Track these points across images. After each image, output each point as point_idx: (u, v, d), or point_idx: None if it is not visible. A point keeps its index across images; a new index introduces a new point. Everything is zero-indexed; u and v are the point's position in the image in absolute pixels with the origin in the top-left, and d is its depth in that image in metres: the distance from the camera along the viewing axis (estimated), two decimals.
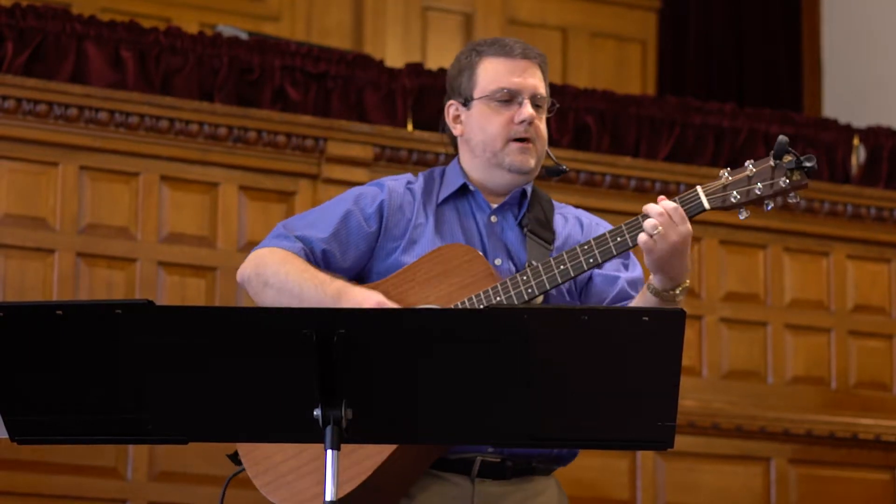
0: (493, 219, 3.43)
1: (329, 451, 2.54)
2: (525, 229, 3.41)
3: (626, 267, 3.42)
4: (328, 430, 2.53)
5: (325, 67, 6.16)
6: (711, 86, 8.68)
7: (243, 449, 3.24)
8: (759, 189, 3.20)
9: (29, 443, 2.62)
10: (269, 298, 3.32)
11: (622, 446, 2.77)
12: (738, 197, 3.21)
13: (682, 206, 3.17)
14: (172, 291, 5.64)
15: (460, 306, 3.24)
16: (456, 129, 3.50)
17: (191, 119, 5.76)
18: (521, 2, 8.71)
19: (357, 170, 5.88)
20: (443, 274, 3.30)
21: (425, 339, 2.52)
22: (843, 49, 8.74)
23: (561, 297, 3.35)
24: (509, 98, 3.42)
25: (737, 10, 8.97)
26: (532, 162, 3.42)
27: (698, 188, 3.21)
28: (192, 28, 6.95)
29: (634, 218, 3.21)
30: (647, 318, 2.49)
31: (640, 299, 3.26)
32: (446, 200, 3.45)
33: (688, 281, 3.22)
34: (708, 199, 3.20)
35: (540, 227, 3.43)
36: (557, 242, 3.43)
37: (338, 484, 3.05)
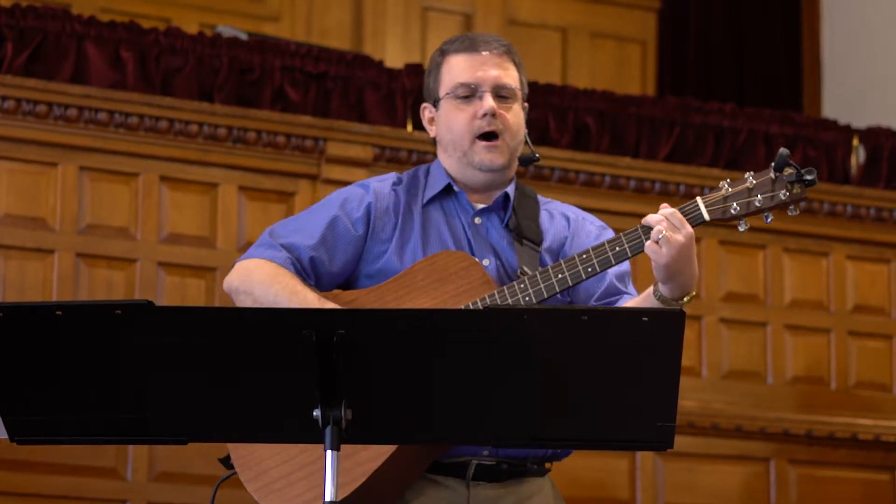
0: (477, 220, 3.42)
1: (329, 452, 2.54)
2: (513, 233, 3.40)
3: None
4: (328, 430, 2.53)
5: (325, 68, 6.16)
6: (711, 86, 8.68)
7: (235, 453, 3.23)
8: (759, 201, 3.20)
9: (29, 443, 2.62)
10: None
11: (622, 446, 2.77)
12: (738, 209, 3.22)
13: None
14: (172, 292, 5.64)
15: None
16: (431, 131, 3.50)
17: (190, 119, 5.76)
18: (521, 2, 8.71)
19: (357, 170, 5.88)
20: (439, 281, 3.29)
21: (425, 339, 2.52)
22: (843, 49, 8.74)
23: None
24: (470, 93, 3.40)
25: (737, 10, 8.97)
26: (500, 159, 3.40)
27: (698, 199, 3.21)
28: (191, 28, 6.95)
29: (633, 228, 3.21)
30: (646, 319, 2.49)
31: (647, 305, 3.24)
32: (431, 200, 3.43)
33: (695, 290, 3.22)
34: (708, 211, 3.21)
35: (527, 229, 3.42)
36: (546, 243, 3.42)
37: (336, 486, 3.06)
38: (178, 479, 5.48)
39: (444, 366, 2.53)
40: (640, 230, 3.19)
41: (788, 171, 3.20)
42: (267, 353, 2.53)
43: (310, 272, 3.34)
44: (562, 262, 3.24)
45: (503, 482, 3.27)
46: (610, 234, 3.47)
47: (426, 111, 3.51)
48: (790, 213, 3.24)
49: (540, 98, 6.48)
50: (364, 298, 3.33)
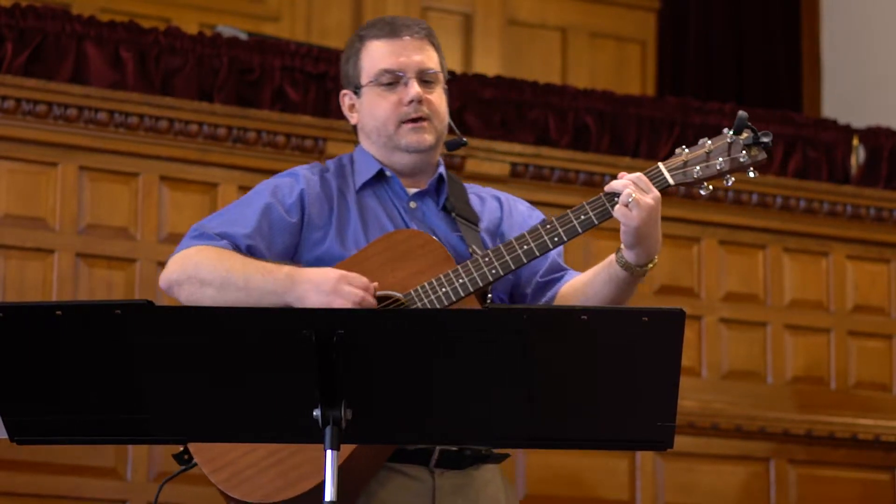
0: (413, 205, 3.38)
1: (329, 452, 2.54)
2: (453, 213, 3.37)
3: None
4: (328, 430, 2.53)
5: (325, 67, 6.16)
6: (711, 86, 8.68)
7: (196, 446, 3.17)
8: (720, 164, 3.21)
9: (29, 443, 2.62)
10: (207, 298, 3.20)
11: (622, 446, 2.78)
12: (700, 172, 3.21)
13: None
14: None
15: (420, 291, 3.19)
16: (352, 119, 3.45)
17: (190, 119, 5.76)
18: (521, 2, 8.71)
19: None
20: (396, 259, 3.24)
21: (425, 339, 2.52)
22: (843, 49, 8.74)
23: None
24: (394, 80, 3.36)
25: (737, 10, 8.97)
26: (429, 139, 3.37)
27: (660, 165, 3.22)
28: (191, 28, 6.95)
29: (597, 196, 3.19)
30: (646, 319, 2.49)
31: (607, 274, 3.23)
32: (364, 187, 3.38)
33: (657, 257, 3.21)
34: (671, 175, 3.21)
35: (463, 210, 3.38)
36: (483, 223, 3.40)
37: (294, 481, 3.04)
38: (177, 479, 5.46)
39: (443, 365, 2.53)
40: (603, 198, 3.18)
41: (746, 133, 3.22)
42: (267, 353, 2.52)
43: None
44: (525, 233, 3.20)
45: (464, 469, 3.24)
46: (538, 214, 3.47)
47: (346, 98, 3.45)
48: (750, 175, 3.25)
49: (540, 98, 6.48)
50: None
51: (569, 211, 3.20)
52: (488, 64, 8.19)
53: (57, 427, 2.59)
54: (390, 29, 3.39)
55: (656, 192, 3.16)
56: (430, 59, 3.40)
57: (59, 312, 2.49)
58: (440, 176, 3.41)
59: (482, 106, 6.38)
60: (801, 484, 6.28)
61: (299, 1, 8.10)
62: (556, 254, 3.37)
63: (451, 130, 3.46)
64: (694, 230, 6.41)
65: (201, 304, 3.20)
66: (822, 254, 6.56)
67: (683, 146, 3.25)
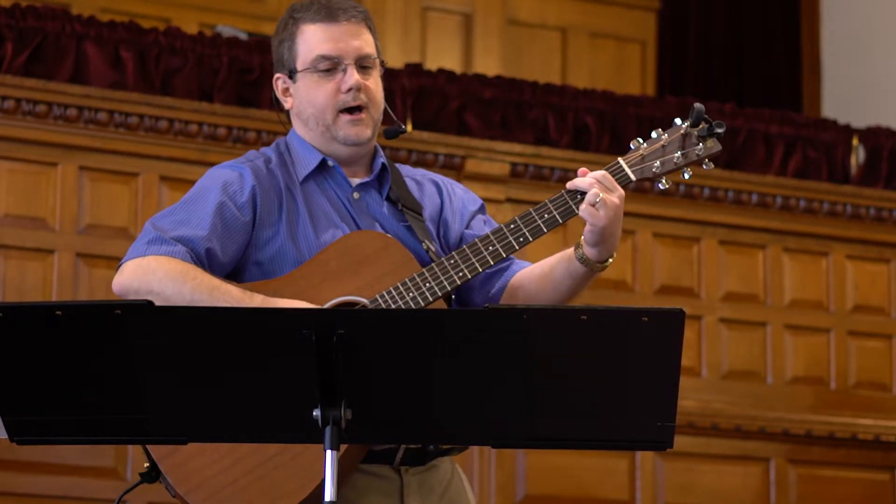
0: (356, 195, 3.30)
1: (329, 452, 2.53)
2: (399, 204, 3.30)
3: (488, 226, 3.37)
4: (328, 430, 2.53)
5: None
6: (711, 86, 8.68)
7: (165, 464, 3.09)
8: (677, 158, 3.20)
9: (28, 443, 2.62)
10: None
11: (622, 446, 2.77)
12: (658, 167, 3.19)
13: None
14: None
15: (387, 296, 3.13)
16: (287, 103, 3.35)
17: (190, 119, 5.76)
18: (520, 2, 8.71)
19: None
20: (357, 264, 3.17)
21: (425, 339, 2.52)
22: (843, 49, 8.74)
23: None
24: (332, 66, 3.27)
25: (737, 10, 8.97)
26: (367, 132, 3.28)
27: (620, 160, 3.19)
28: (191, 28, 6.95)
29: (559, 194, 3.15)
30: (646, 319, 2.49)
31: (565, 269, 3.20)
32: (307, 179, 3.29)
33: (616, 254, 3.19)
34: (632, 171, 3.18)
35: (406, 199, 3.32)
36: (426, 212, 3.34)
37: (276, 499, 3.01)
38: None
39: (443, 365, 2.53)
40: (566, 195, 3.14)
41: (702, 125, 3.22)
42: (267, 353, 2.52)
43: (206, 265, 3.17)
44: (489, 234, 3.16)
45: (426, 464, 3.20)
46: (474, 196, 3.42)
47: (279, 82, 3.35)
48: (705, 168, 3.23)
49: (540, 98, 6.48)
50: (281, 289, 3.15)
51: (531, 210, 3.17)
52: (488, 64, 8.19)
53: (57, 427, 2.59)
54: (327, 12, 3.29)
55: (621, 191, 3.13)
56: (367, 43, 3.30)
57: (59, 312, 2.49)
58: (383, 165, 3.34)
59: (482, 106, 6.38)
60: (801, 484, 6.28)
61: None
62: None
63: (387, 116, 3.37)
64: (694, 230, 6.41)
65: None
66: (822, 254, 6.57)
67: (639, 139, 3.22)
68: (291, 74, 3.32)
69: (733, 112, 6.75)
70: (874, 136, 6.92)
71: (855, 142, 6.89)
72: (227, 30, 6.51)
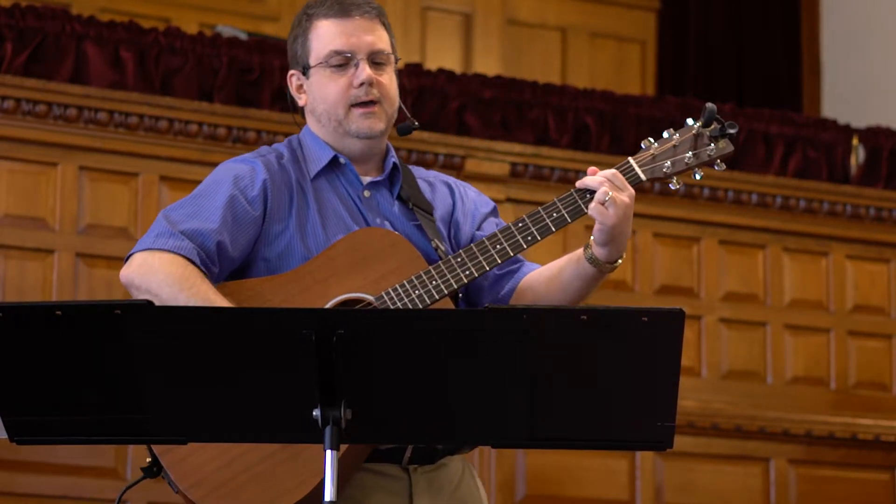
0: (367, 194, 3.29)
1: (329, 452, 2.53)
2: (410, 203, 3.29)
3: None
4: (328, 430, 2.53)
5: None
6: (711, 86, 8.68)
7: (166, 459, 3.09)
8: (689, 159, 3.18)
9: (28, 443, 2.62)
10: None
11: (621, 446, 2.77)
12: (669, 167, 3.17)
13: None
14: None
15: (392, 293, 3.12)
16: (301, 100, 3.35)
17: (190, 119, 5.76)
18: (520, 2, 8.71)
19: None
20: (364, 260, 3.16)
21: (425, 339, 2.52)
22: (843, 49, 8.74)
23: None
24: (345, 61, 3.26)
25: (737, 10, 8.97)
26: (380, 125, 3.28)
27: (630, 160, 3.16)
28: (191, 28, 6.95)
29: (568, 193, 3.14)
30: (646, 319, 2.49)
31: (574, 270, 3.18)
32: (318, 175, 3.28)
33: (625, 253, 3.17)
34: (642, 171, 3.16)
35: (417, 199, 3.31)
36: (437, 212, 3.33)
37: (275, 496, 3.00)
38: None
39: (443, 366, 2.53)
40: (575, 194, 3.12)
41: (714, 126, 3.20)
42: (267, 353, 2.52)
43: (215, 259, 3.17)
44: (497, 232, 3.15)
45: (435, 462, 3.19)
46: (486, 199, 3.41)
47: (293, 78, 3.35)
48: (716, 169, 3.21)
49: (540, 98, 6.48)
50: (288, 284, 3.16)
51: (540, 208, 3.15)
52: (488, 64, 8.19)
53: (57, 427, 2.59)
54: (340, 8, 3.29)
55: (631, 190, 3.10)
56: (381, 39, 3.30)
57: (59, 312, 2.49)
58: (394, 164, 3.33)
59: (482, 106, 6.38)
60: (801, 484, 6.28)
61: (299, 1, 8.09)
62: None
63: (401, 113, 3.38)
64: (694, 230, 6.41)
65: None
66: (821, 254, 6.57)
67: (650, 139, 3.20)
68: (305, 70, 3.32)
69: (733, 112, 6.75)
70: (874, 136, 6.92)
71: (855, 142, 6.89)
72: (227, 30, 6.51)
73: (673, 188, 3.21)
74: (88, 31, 5.85)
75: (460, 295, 3.26)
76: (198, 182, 5.73)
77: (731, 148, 3.21)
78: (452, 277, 3.14)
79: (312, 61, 3.30)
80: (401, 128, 3.40)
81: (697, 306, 6.32)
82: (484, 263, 3.14)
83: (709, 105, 3.23)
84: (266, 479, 3.03)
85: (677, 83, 8.70)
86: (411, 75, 6.30)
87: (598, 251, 3.13)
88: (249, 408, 2.58)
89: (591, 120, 6.53)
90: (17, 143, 5.58)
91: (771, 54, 8.93)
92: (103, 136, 5.67)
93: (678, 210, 6.36)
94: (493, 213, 3.40)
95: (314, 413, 2.52)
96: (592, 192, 3.10)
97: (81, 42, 5.83)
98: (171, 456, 3.09)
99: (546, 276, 3.27)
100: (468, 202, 3.39)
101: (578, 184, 3.12)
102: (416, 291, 3.13)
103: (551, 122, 6.47)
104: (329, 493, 2.54)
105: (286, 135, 5.85)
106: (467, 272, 3.14)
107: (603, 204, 3.06)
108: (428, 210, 3.31)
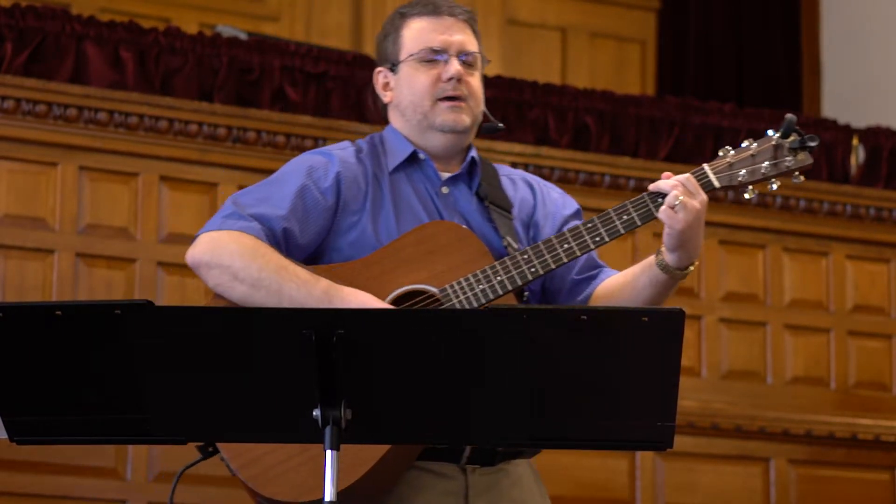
0: (445, 190, 3.30)
1: (329, 452, 2.54)
2: (486, 200, 3.30)
3: None
4: (328, 430, 2.53)
5: (325, 67, 6.16)
6: (711, 86, 8.68)
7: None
8: (765, 168, 3.15)
9: (28, 443, 2.62)
10: (238, 293, 3.14)
11: (621, 446, 2.77)
12: (745, 175, 3.15)
13: None
14: (172, 292, 5.63)
15: (456, 286, 3.13)
16: (386, 97, 3.38)
17: (190, 119, 5.76)
18: (520, 2, 8.71)
19: None
20: (432, 253, 3.16)
21: (425, 339, 2.52)
22: (843, 49, 8.74)
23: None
24: (435, 57, 3.31)
25: (736, 10, 8.97)
26: (466, 120, 3.31)
27: (705, 167, 3.15)
28: (191, 28, 6.95)
29: (639, 196, 3.14)
30: (646, 319, 2.49)
31: (647, 277, 3.18)
32: (396, 170, 3.30)
33: (697, 260, 3.16)
34: (717, 177, 3.14)
35: (496, 197, 3.32)
36: (515, 211, 3.33)
37: (335, 485, 3.01)
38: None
39: (443, 365, 2.53)
40: (646, 198, 3.13)
41: (793, 137, 3.17)
42: (267, 353, 2.52)
43: (281, 244, 3.19)
44: (566, 232, 3.15)
45: (496, 465, 3.16)
46: (571, 201, 3.42)
47: (380, 75, 3.38)
48: (794, 181, 3.19)
49: (540, 98, 6.48)
50: (354, 273, 3.16)
51: (611, 210, 3.15)
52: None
53: (57, 427, 2.59)
54: (433, 8, 3.34)
55: (704, 196, 3.09)
56: (470, 41, 3.35)
57: (59, 312, 2.49)
58: (472, 160, 3.34)
59: None
60: (801, 484, 6.28)
61: (299, 1, 8.10)
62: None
63: (485, 117, 3.40)
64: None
65: (231, 297, 3.15)
66: (821, 254, 6.57)
67: (728, 147, 3.18)
68: (393, 67, 3.35)
69: (733, 112, 6.75)
70: (874, 136, 6.92)
71: (855, 142, 6.89)
72: (227, 30, 6.51)
73: (747, 197, 3.18)
74: (88, 31, 5.85)
75: (526, 293, 3.24)
76: (197, 182, 5.79)
77: (810, 160, 3.17)
78: (517, 274, 3.13)
79: (402, 56, 3.33)
80: (486, 128, 3.41)
81: (697, 306, 6.32)
82: (550, 261, 3.14)
83: (788, 116, 3.19)
84: (317, 464, 3.01)
85: (677, 83, 8.70)
86: None
87: (669, 257, 3.13)
88: (249, 408, 2.58)
89: (591, 120, 6.53)
90: (17, 143, 5.58)
91: (771, 54, 8.93)
92: (103, 136, 5.67)
93: None
94: (576, 215, 3.39)
95: (314, 413, 2.53)
96: (664, 196, 3.10)
97: (81, 42, 5.83)
98: None
99: (620, 282, 3.27)
100: (550, 203, 3.39)
101: (651, 187, 3.12)
102: (480, 286, 3.13)
103: (551, 122, 6.47)
104: (329, 492, 2.54)
105: (286, 135, 5.90)
106: (533, 269, 3.13)
107: (673, 208, 3.06)
108: (506, 208, 3.32)
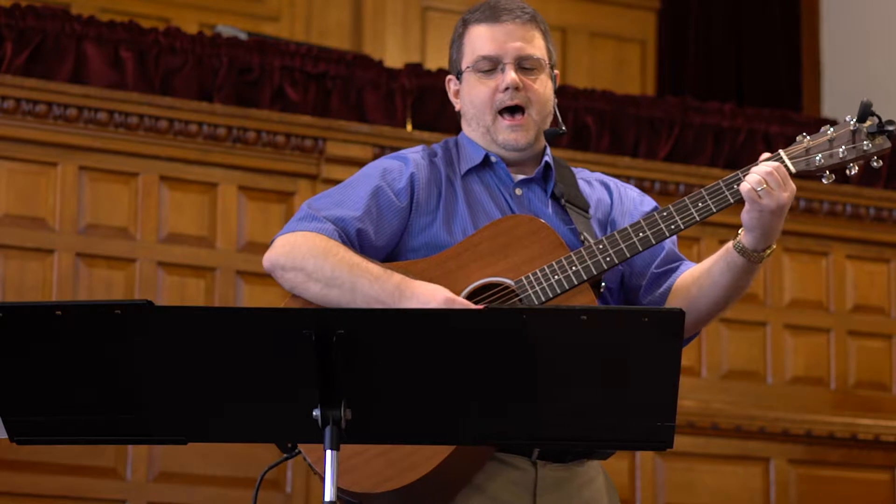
0: (518, 192, 3.30)
1: (328, 452, 2.54)
2: (562, 200, 3.28)
3: None
4: (327, 430, 2.53)
5: (325, 67, 6.16)
6: (711, 86, 8.67)
7: None
8: (843, 153, 3.13)
9: (28, 443, 2.62)
10: (313, 293, 3.15)
11: (622, 446, 2.77)
12: (822, 160, 3.13)
13: None
14: (172, 291, 5.64)
15: (532, 278, 3.12)
16: (456, 104, 3.41)
17: (190, 119, 5.76)
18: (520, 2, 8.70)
19: (356, 170, 5.87)
20: (507, 246, 3.16)
21: (425, 339, 2.52)
22: (843, 49, 8.74)
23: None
24: (492, 66, 3.29)
25: (736, 10, 8.96)
26: (525, 138, 3.29)
27: (781, 152, 3.14)
28: (191, 28, 6.95)
29: (715, 183, 3.13)
30: (646, 318, 2.49)
31: (723, 260, 3.15)
32: (469, 172, 3.31)
33: (775, 244, 3.12)
34: (793, 163, 3.13)
35: (573, 196, 3.31)
36: (592, 210, 3.31)
37: (403, 470, 3.00)
38: (177, 479, 5.48)
39: (443, 365, 2.53)
40: (721, 185, 3.12)
41: (870, 121, 3.15)
42: (267, 353, 2.52)
43: (356, 245, 3.20)
44: (640, 220, 3.13)
45: (567, 463, 3.16)
46: (649, 200, 3.39)
47: (451, 83, 3.40)
48: (873, 164, 3.17)
49: None
50: (430, 269, 3.17)
51: (686, 198, 3.13)
52: None
53: (57, 427, 2.59)
54: (492, 13, 3.31)
55: (793, 186, 3.07)
56: (531, 45, 3.31)
57: (59, 312, 2.49)
58: (546, 163, 3.33)
59: None
60: (801, 484, 6.28)
61: (299, 1, 8.10)
62: (671, 243, 3.28)
63: (554, 118, 3.37)
64: (694, 230, 6.41)
65: (306, 296, 3.16)
66: (821, 254, 6.57)
67: (804, 133, 3.16)
68: (458, 75, 3.36)
69: (733, 112, 6.75)
70: None
71: None
72: (227, 30, 6.51)
73: (825, 182, 3.16)
74: (88, 31, 5.85)
75: (603, 285, 3.22)
76: (197, 182, 5.79)
77: (888, 144, 3.15)
78: (592, 263, 3.12)
79: (464, 65, 3.33)
80: (546, 132, 3.38)
81: None
82: (625, 250, 3.13)
83: (864, 100, 3.19)
84: (393, 454, 3.03)
85: (677, 83, 8.69)
86: (411, 75, 6.30)
87: (746, 238, 3.09)
88: (249, 408, 2.58)
89: (591, 120, 6.53)
90: (17, 143, 5.58)
91: (771, 54, 8.92)
92: (103, 136, 5.67)
93: None
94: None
95: (314, 413, 2.53)
96: (738, 183, 3.09)
97: (81, 42, 5.83)
98: None
99: (697, 273, 3.23)
100: (627, 201, 3.37)
101: (745, 178, 3.08)
102: (556, 276, 3.12)
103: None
104: (329, 493, 2.54)
105: (286, 135, 5.90)
106: (608, 258, 3.12)
107: (757, 192, 3.03)
108: (583, 207, 3.30)
